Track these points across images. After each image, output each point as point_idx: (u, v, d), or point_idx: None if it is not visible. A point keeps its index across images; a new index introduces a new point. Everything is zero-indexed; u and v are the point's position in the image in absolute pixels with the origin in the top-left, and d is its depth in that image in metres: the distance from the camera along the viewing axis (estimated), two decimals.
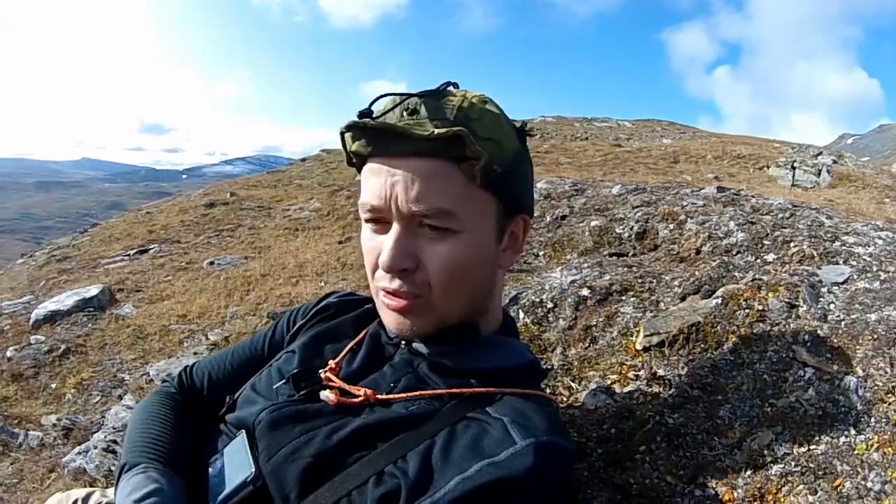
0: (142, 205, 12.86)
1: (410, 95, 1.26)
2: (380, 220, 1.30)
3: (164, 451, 1.36)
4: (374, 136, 1.26)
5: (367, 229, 1.35)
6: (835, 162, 11.22)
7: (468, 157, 1.21)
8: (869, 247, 2.21)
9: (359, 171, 1.36)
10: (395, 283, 1.29)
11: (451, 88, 1.29)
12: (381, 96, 1.31)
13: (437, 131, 1.18)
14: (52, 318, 4.59)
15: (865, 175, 10.17)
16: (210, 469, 1.34)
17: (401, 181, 1.22)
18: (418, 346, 1.40)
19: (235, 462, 1.28)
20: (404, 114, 1.25)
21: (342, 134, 1.32)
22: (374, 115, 1.28)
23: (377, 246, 1.30)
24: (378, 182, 1.26)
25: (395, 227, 1.26)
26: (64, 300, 4.81)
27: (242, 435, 1.33)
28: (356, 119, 1.28)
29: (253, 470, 1.22)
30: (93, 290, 4.92)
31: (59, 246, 8.70)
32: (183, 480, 1.31)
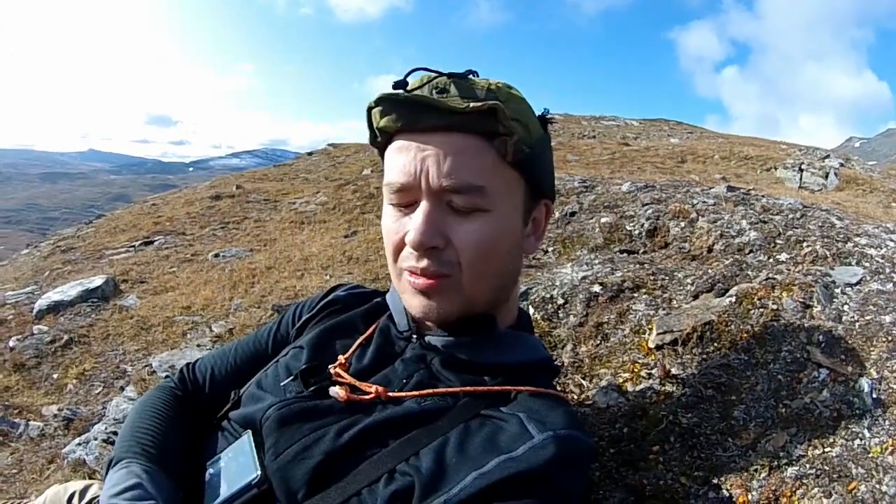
0: (147, 197, 12.87)
1: (441, 74, 1.24)
2: (406, 199, 1.26)
3: (153, 448, 1.33)
4: (405, 110, 1.22)
5: (390, 211, 1.31)
6: (842, 165, 11.19)
7: (501, 132, 1.19)
8: (881, 248, 2.19)
9: (382, 151, 1.33)
10: (423, 262, 1.24)
11: (471, 76, 1.26)
12: (416, 69, 1.27)
13: (472, 104, 1.16)
14: (56, 308, 4.59)
15: (873, 179, 10.15)
16: (210, 469, 1.30)
17: (432, 155, 1.19)
18: (431, 338, 1.36)
19: (239, 463, 1.24)
20: (433, 92, 1.21)
21: (370, 110, 1.28)
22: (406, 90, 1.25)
23: (402, 226, 1.26)
24: (407, 158, 1.22)
25: (425, 204, 1.22)
26: (68, 291, 4.81)
27: (248, 435, 1.29)
28: (390, 90, 1.25)
29: (259, 472, 1.18)
30: (97, 281, 4.92)
31: (65, 237, 8.72)
32: (171, 477, 1.28)
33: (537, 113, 1.35)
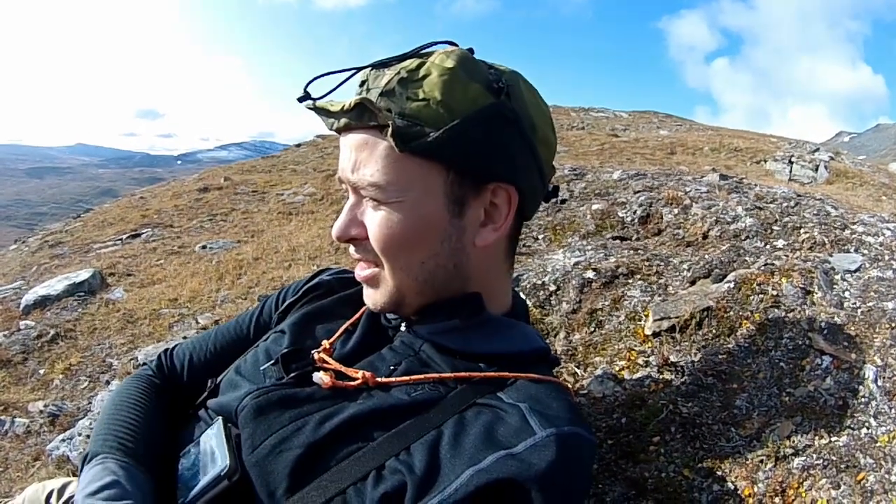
0: (136, 190, 12.84)
1: (361, 68, 1.21)
2: (349, 193, 1.27)
3: (129, 441, 1.28)
4: (321, 115, 1.24)
5: None
6: (832, 158, 11.23)
7: (381, 124, 1.13)
8: (878, 237, 2.18)
9: None
10: (352, 251, 1.27)
11: (437, 47, 1.20)
12: (319, 76, 1.24)
13: (346, 104, 1.13)
14: (43, 303, 4.54)
15: (863, 172, 10.20)
16: (182, 460, 1.25)
17: (344, 154, 1.21)
18: (419, 327, 1.31)
19: (210, 453, 1.19)
20: (359, 87, 1.20)
21: None
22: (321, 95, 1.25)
23: None
24: (340, 156, 1.25)
25: (349, 198, 1.25)
26: (54, 285, 4.76)
27: (219, 422, 1.24)
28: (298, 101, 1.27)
29: (228, 463, 1.12)
30: (84, 275, 4.87)
31: (52, 232, 8.67)
32: (147, 472, 1.23)
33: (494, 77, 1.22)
